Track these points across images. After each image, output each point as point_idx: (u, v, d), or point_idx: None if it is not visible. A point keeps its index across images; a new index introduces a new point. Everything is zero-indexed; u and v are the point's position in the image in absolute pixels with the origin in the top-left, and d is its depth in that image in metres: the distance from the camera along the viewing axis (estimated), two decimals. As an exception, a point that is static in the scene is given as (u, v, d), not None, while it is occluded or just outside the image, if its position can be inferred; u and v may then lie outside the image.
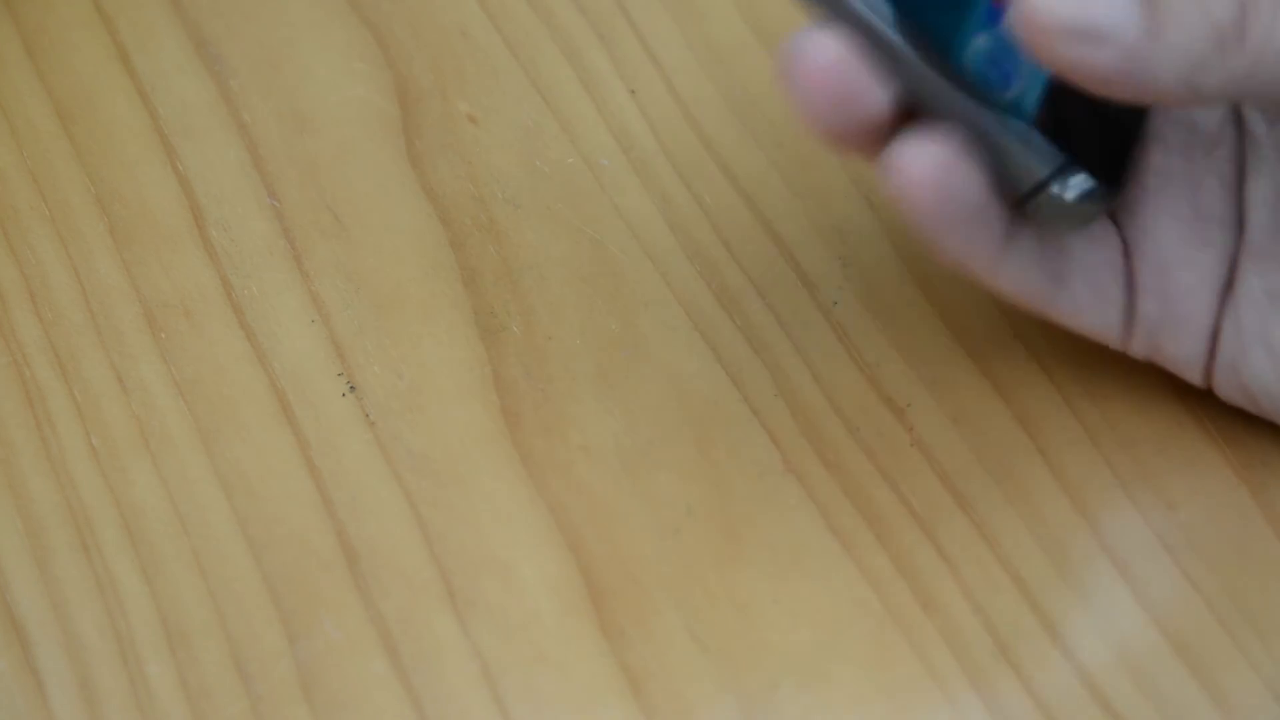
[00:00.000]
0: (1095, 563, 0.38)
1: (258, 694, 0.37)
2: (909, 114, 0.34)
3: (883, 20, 0.34)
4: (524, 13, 0.45)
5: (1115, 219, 0.37)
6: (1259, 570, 0.37)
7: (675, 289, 0.41)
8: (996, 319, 0.40)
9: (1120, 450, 0.39)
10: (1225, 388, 0.37)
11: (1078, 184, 0.35)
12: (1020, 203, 0.35)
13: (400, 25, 0.46)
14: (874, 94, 0.34)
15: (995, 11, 0.35)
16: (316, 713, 0.37)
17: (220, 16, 0.46)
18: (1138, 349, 0.38)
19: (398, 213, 0.43)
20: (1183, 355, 0.37)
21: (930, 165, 0.34)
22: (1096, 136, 0.35)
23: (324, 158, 0.44)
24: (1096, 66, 0.32)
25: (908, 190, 0.34)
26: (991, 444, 0.39)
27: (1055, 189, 0.35)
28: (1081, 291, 0.37)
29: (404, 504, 0.39)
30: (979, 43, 0.35)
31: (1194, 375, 0.38)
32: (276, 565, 0.38)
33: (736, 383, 0.40)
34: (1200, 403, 0.39)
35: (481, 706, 0.37)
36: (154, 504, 0.39)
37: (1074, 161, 0.35)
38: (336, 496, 0.39)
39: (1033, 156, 0.34)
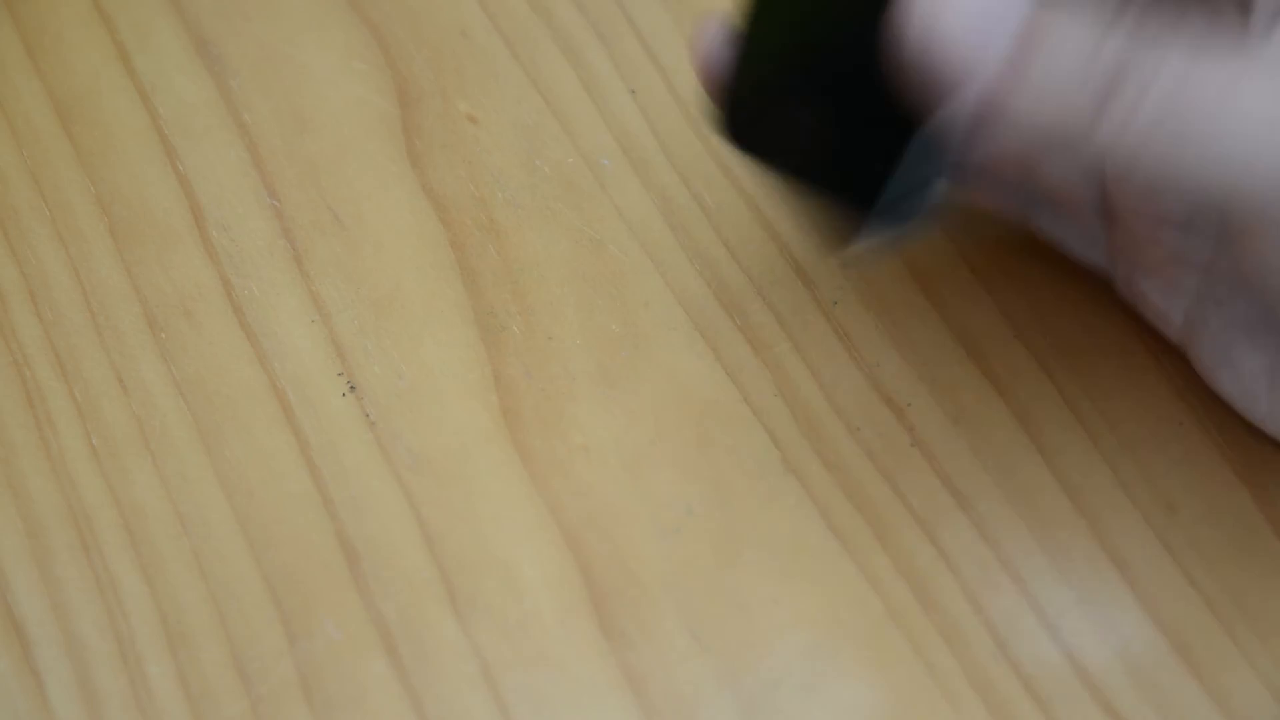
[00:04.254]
0: (1095, 563, 0.38)
1: (258, 694, 0.37)
2: None
3: None
4: (524, 13, 0.45)
5: None
6: (1259, 570, 0.37)
7: (675, 289, 0.41)
8: (996, 319, 0.41)
9: (1120, 450, 0.39)
10: (1209, 383, 0.38)
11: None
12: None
13: (400, 25, 0.46)
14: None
15: None
16: (316, 713, 0.37)
17: (220, 16, 0.46)
18: (1121, 291, 0.38)
19: (398, 213, 0.43)
20: (1162, 323, 0.37)
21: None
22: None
23: (324, 158, 0.44)
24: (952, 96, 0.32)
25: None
26: (991, 444, 0.39)
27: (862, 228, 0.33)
28: (1058, 220, 0.37)
29: (404, 504, 0.39)
30: None
31: (1174, 340, 0.38)
32: (276, 565, 0.38)
33: (736, 383, 0.40)
34: (1200, 403, 0.39)
35: (481, 706, 0.37)
36: (154, 504, 0.39)
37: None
38: (336, 496, 0.39)
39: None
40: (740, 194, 0.43)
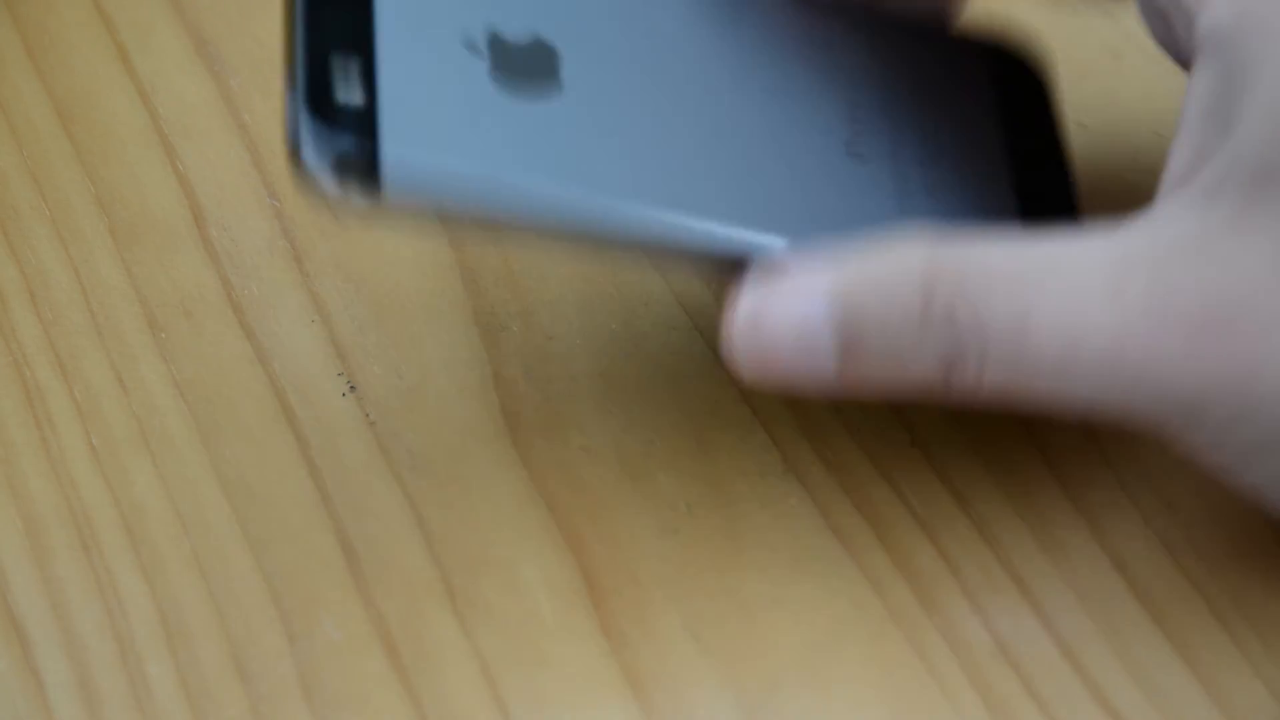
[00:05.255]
0: (1095, 562, 0.38)
1: (258, 694, 0.37)
2: None
3: None
4: (524, 13, 0.45)
5: None
6: (1259, 570, 0.37)
7: (675, 289, 0.41)
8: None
9: (1120, 450, 0.39)
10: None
11: None
12: None
13: (400, 25, 0.46)
14: None
15: None
16: (316, 713, 0.37)
17: (220, 16, 0.46)
18: None
19: (398, 213, 0.43)
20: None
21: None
22: None
23: (324, 158, 0.43)
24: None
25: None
26: (992, 444, 0.39)
27: None
28: None
29: (404, 504, 0.39)
30: None
31: None
32: (276, 565, 0.38)
33: (736, 381, 0.40)
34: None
35: (481, 706, 0.37)
36: (154, 504, 0.39)
37: None
38: (336, 496, 0.39)
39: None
40: (740, 194, 0.43)
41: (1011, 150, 0.39)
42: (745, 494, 0.39)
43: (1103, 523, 0.38)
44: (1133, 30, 0.42)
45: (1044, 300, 0.32)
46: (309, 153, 0.29)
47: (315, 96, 0.29)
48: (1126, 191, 0.41)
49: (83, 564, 0.39)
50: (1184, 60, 0.35)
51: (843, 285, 0.33)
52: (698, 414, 0.40)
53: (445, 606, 0.38)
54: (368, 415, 0.40)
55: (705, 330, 0.41)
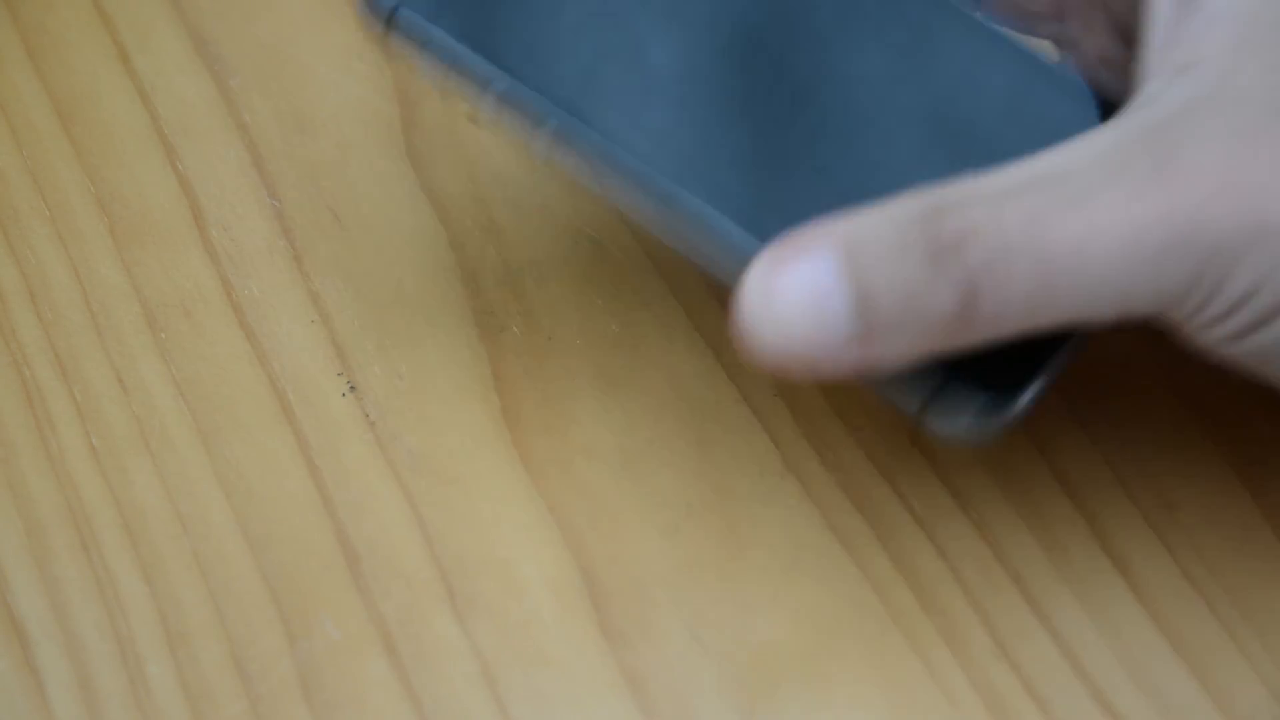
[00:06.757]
0: (1095, 563, 0.38)
1: (258, 694, 0.37)
2: None
3: None
4: (524, 13, 0.46)
5: None
6: (1259, 570, 0.37)
7: (675, 289, 0.41)
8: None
9: (1120, 450, 0.39)
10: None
11: (962, 405, 0.33)
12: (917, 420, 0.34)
13: (400, 25, 0.46)
14: None
15: None
16: (316, 713, 0.37)
17: (220, 16, 0.46)
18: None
19: (398, 213, 0.43)
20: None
21: None
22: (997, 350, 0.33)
23: (324, 158, 0.44)
24: (823, 373, 0.32)
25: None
26: (991, 444, 0.39)
27: (936, 414, 0.33)
28: None
29: (404, 504, 0.39)
30: None
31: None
32: (276, 565, 0.38)
33: (736, 381, 0.40)
34: (1201, 403, 0.39)
35: (481, 706, 0.37)
36: (154, 504, 0.39)
37: (957, 379, 0.33)
38: (336, 496, 0.39)
39: (906, 380, 0.33)
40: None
41: None
42: (745, 494, 0.39)
43: (1103, 523, 0.38)
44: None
45: (1053, 201, 0.31)
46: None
47: None
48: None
49: (83, 564, 0.39)
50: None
51: (848, 244, 0.32)
52: (698, 414, 0.40)
53: (445, 606, 0.38)
54: (368, 415, 0.40)
55: (705, 330, 0.41)
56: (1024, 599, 0.37)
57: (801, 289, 0.32)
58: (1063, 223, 0.31)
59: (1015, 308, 0.32)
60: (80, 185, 0.44)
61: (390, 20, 0.36)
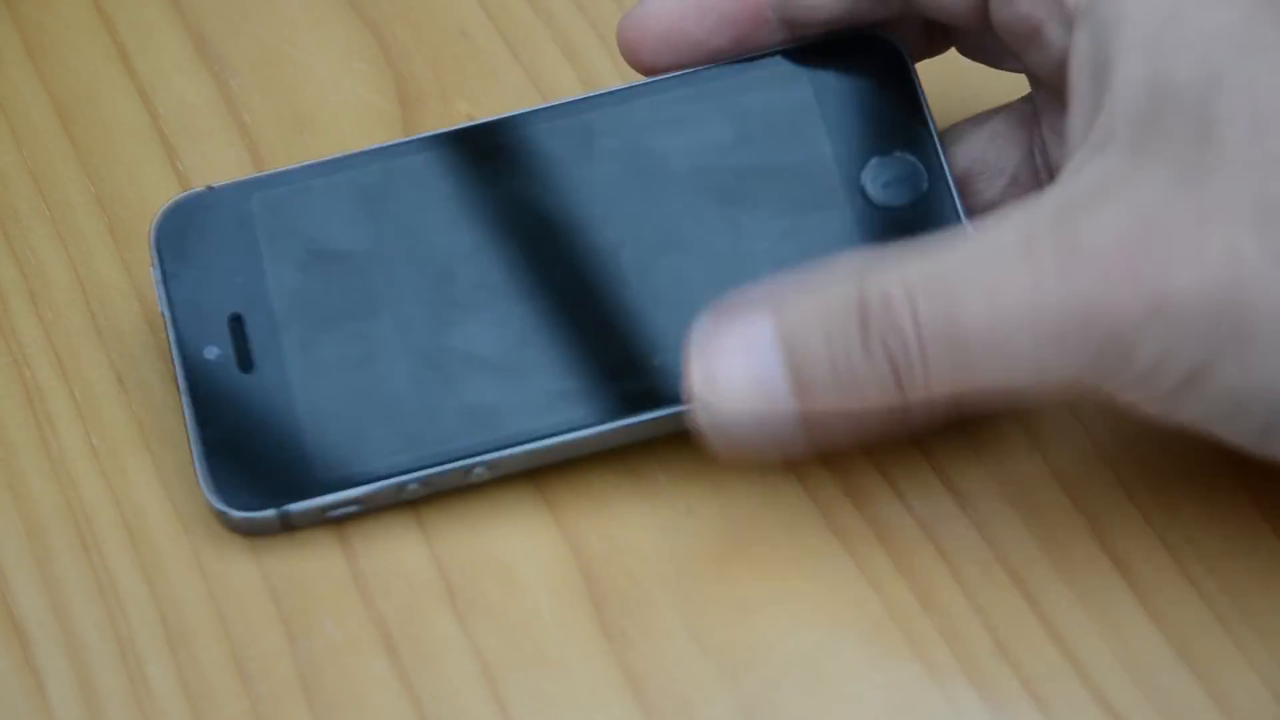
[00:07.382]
0: (1095, 562, 0.38)
1: (258, 694, 0.37)
2: None
3: None
4: (524, 13, 0.45)
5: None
6: (1259, 570, 0.37)
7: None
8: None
9: (1121, 450, 0.39)
10: None
11: None
12: None
13: (400, 25, 0.46)
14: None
15: None
16: (316, 713, 0.37)
17: (220, 16, 0.46)
18: None
19: (398, 213, 0.43)
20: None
21: None
22: None
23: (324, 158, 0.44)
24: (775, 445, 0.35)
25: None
26: (992, 444, 0.39)
27: None
28: None
29: (404, 504, 0.39)
30: None
31: None
32: (276, 565, 0.38)
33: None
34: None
35: (481, 706, 0.37)
36: (154, 504, 0.39)
37: None
38: (336, 496, 0.39)
39: None
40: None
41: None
42: (745, 494, 0.39)
43: (1103, 522, 0.38)
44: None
45: (966, 288, 0.33)
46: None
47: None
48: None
49: (83, 564, 0.39)
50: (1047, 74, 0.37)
51: (784, 330, 0.34)
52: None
53: (445, 606, 0.38)
54: (368, 415, 0.40)
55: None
56: (1024, 599, 0.37)
57: (745, 376, 0.35)
58: (974, 303, 0.33)
59: (940, 393, 0.34)
60: (80, 185, 0.44)
61: (284, 521, 0.38)
